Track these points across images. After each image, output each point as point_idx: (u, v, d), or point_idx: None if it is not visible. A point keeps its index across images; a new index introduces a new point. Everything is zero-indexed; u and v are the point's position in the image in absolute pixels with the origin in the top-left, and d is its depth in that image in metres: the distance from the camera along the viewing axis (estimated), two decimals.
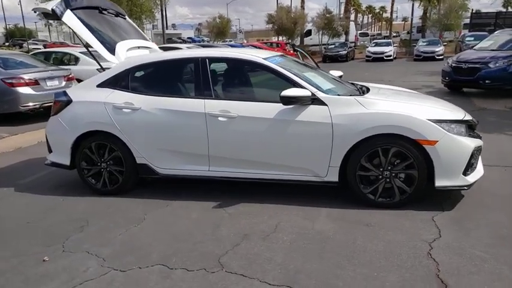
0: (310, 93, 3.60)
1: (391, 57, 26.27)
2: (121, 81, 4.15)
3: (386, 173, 3.57)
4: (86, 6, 4.52)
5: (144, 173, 4.14)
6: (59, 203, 4.13)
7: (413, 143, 3.44)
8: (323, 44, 33.15)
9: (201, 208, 3.82)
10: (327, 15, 33.65)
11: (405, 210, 3.55)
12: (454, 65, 10.46)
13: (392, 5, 53.12)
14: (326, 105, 3.61)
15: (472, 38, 24.69)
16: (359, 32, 45.27)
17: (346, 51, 27.76)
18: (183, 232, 3.37)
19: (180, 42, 33.30)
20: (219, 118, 3.79)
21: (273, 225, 3.41)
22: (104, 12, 4.77)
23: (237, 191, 4.14)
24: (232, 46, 20.74)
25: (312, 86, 3.73)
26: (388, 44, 27.97)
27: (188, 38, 51.60)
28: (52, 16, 4.44)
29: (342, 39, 34.96)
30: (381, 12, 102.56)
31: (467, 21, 34.38)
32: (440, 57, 24.47)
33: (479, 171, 3.69)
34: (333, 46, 29.08)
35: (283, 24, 31.56)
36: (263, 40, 35.67)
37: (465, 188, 3.51)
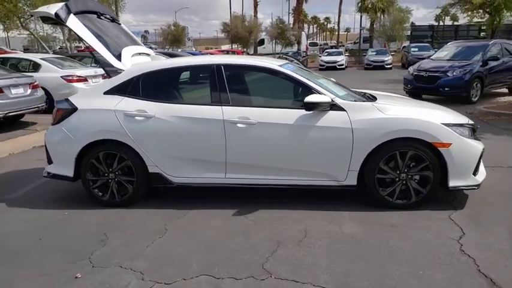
0: (330, 99, 3.70)
1: (343, 66, 27.43)
2: (131, 88, 4.00)
3: (403, 175, 3.74)
4: (86, 10, 4.33)
5: (156, 182, 4.01)
6: (64, 218, 3.88)
7: (428, 146, 3.64)
8: (276, 53, 33.89)
9: (222, 216, 3.77)
10: (280, 25, 34.38)
11: (421, 211, 3.74)
12: (415, 73, 11.16)
13: (339, 16, 55.48)
14: (345, 110, 3.72)
15: (417, 49, 26.47)
16: (309, 41, 46.63)
17: (301, 61, 28.56)
18: (213, 241, 3.31)
19: None
20: (238, 125, 3.77)
21: (301, 230, 3.45)
22: (101, 17, 4.58)
23: (251, 197, 4.13)
24: (192, 54, 20.57)
25: (329, 92, 3.83)
26: (339, 54, 29.14)
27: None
28: (51, 20, 4.21)
29: (295, 48, 35.90)
30: (326, 23, 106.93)
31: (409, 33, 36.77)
32: (389, 66, 25.92)
33: (482, 172, 3.97)
34: (288, 56, 29.79)
35: (239, 32, 31.82)
36: (212, 48, 35.69)
37: (475, 187, 3.76)
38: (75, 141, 3.96)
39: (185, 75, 4.16)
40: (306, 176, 3.85)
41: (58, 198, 4.39)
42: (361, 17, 34.00)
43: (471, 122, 4.01)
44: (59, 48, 33.00)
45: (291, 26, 40.29)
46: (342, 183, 3.82)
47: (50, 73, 10.57)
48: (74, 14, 4.07)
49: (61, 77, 10.44)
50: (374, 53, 27.56)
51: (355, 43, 44.92)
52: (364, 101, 3.93)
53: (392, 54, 28.15)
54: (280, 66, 3.98)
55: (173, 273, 2.84)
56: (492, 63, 10.80)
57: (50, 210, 4.03)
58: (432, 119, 3.72)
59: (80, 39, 4.12)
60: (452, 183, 3.70)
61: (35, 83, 8.97)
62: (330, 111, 3.72)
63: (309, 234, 3.37)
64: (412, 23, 39.45)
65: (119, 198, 4.05)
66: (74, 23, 4.04)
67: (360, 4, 33.18)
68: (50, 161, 4.18)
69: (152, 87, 4.04)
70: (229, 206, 3.96)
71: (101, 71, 11.54)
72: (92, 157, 3.98)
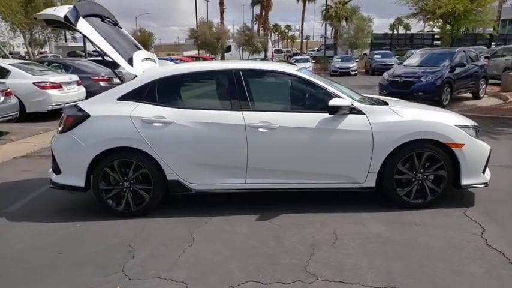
0: (350, 103, 3.78)
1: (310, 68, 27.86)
2: (147, 93, 3.89)
3: (419, 175, 3.88)
4: (92, 14, 4.17)
5: (175, 189, 3.91)
6: (78, 230, 3.69)
7: (443, 146, 3.80)
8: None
9: (246, 222, 3.73)
10: (247, 32, 34.62)
11: (436, 209, 3.89)
12: (390, 79, 11.62)
13: (302, 24, 56.65)
14: (364, 114, 3.82)
15: (380, 56, 27.53)
16: (274, 49, 47.24)
17: None
18: (246, 247, 3.27)
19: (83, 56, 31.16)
20: (260, 129, 3.77)
21: (330, 233, 3.48)
22: (105, 21, 4.44)
23: (268, 202, 4.13)
24: (171, 60, 20.30)
25: (347, 96, 3.92)
26: (306, 61, 29.69)
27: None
28: (55, 23, 4.03)
29: (262, 55, 36.23)
30: (287, 31, 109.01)
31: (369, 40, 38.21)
32: (354, 72, 26.67)
33: (488, 171, 4.19)
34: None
35: (207, 39, 31.71)
36: (174, 55, 35.22)
37: (485, 185, 3.96)
38: (87, 150, 3.79)
39: (203, 80, 4.10)
40: (326, 179, 3.90)
41: (62, 210, 4.17)
42: (325, 24, 34.95)
43: (475, 123, 4.23)
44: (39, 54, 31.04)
45: (256, 33, 40.65)
46: (361, 185, 3.90)
47: (21, 79, 10.02)
48: (83, 17, 3.92)
49: (33, 83, 9.96)
50: (339, 60, 28.25)
51: (318, 50, 45.98)
52: (380, 105, 4.04)
53: (356, 61, 29.02)
54: (298, 70, 4.03)
55: (218, 281, 2.78)
56: (459, 70, 11.42)
57: (58, 223, 3.82)
58: (445, 121, 3.89)
59: (92, 43, 3.96)
60: (464, 181, 3.88)
61: (8, 90, 8.47)
62: (350, 115, 3.80)
63: (339, 236, 3.41)
64: (372, 31, 41.00)
65: (135, 208, 3.91)
66: (84, 26, 3.88)
67: (324, 12, 34.11)
68: (57, 171, 3.97)
69: (170, 93, 3.95)
70: (249, 211, 3.93)
71: (75, 77, 11.35)
72: (106, 165, 3.82)
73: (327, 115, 3.80)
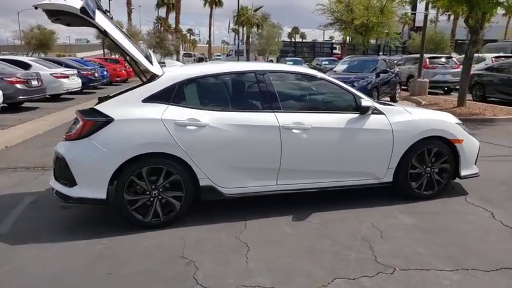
0: (373, 104, 4.03)
1: None
2: (174, 95, 3.65)
3: (428, 169, 4.29)
4: (98, 7, 3.76)
5: (208, 195, 3.73)
6: (106, 247, 3.30)
7: (447, 142, 4.26)
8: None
9: (283, 223, 3.73)
10: (158, 34, 33.58)
11: (441, 199, 4.33)
12: None
13: (210, 28, 56.77)
14: (383, 114, 4.10)
15: (292, 62, 28.95)
16: (183, 52, 46.56)
17: None
18: (303, 247, 3.27)
19: None
20: (293, 130, 3.80)
21: (370, 226, 3.66)
22: (106, 14, 4.02)
23: (291, 202, 4.16)
24: (77, 61, 18.83)
25: (367, 97, 4.17)
26: None
27: None
28: (60, 15, 3.55)
29: (174, 58, 35.48)
30: (189, 35, 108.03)
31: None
32: None
33: None
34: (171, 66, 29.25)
35: None
36: (65, 56, 32.64)
37: (477, 175, 4.52)
38: (112, 157, 3.41)
39: (231, 81, 3.96)
40: (351, 176, 4.09)
41: (66, 228, 3.68)
42: (238, 30, 35.56)
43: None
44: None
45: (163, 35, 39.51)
46: (381, 180, 4.17)
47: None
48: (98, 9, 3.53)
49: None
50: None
51: (228, 55, 46.53)
52: (393, 106, 4.37)
53: None
54: (319, 73, 4.17)
55: (307, 282, 2.76)
56: (382, 76, 12.67)
57: (77, 242, 3.37)
58: (448, 119, 4.37)
59: (112, 40, 3.55)
60: (463, 173, 4.39)
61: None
62: (372, 115, 4.05)
63: (381, 229, 3.60)
64: (279, 39, 43.00)
65: (164, 218, 3.63)
66: (103, 20, 3.49)
67: (236, 18, 34.70)
68: (70, 183, 3.49)
69: (200, 94, 3.77)
70: (279, 212, 3.93)
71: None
72: (133, 173, 3.49)
73: (353, 115, 4.00)
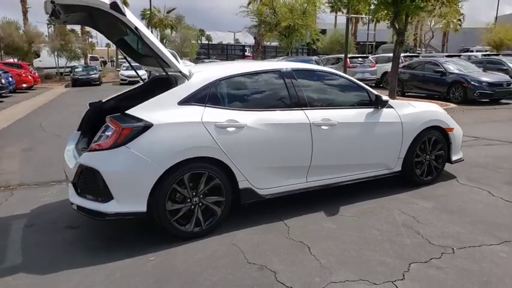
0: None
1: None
2: (209, 96, 3.45)
3: (428, 156, 4.67)
4: None
5: (247, 198, 3.60)
6: (158, 263, 3.01)
7: (442, 131, 4.69)
8: (61, 67, 30.51)
9: (321, 218, 3.78)
10: (63, 36, 30.80)
11: (437, 183, 4.75)
12: None
13: None
14: (393, 107, 4.36)
15: None
16: (90, 55, 43.40)
17: (98, 75, 26.65)
18: (356, 240, 3.33)
19: None
20: (323, 127, 3.86)
21: (401, 214, 3.85)
22: None
23: (313, 198, 4.20)
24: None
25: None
26: (140, 68, 28.54)
27: None
28: (80, 11, 3.14)
29: (82, 62, 33.04)
30: (87, 38, 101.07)
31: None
32: None
33: None
34: (80, 69, 27.15)
35: (15, 42, 26.71)
36: None
37: (463, 159, 5.04)
38: (154, 165, 3.11)
39: (261, 80, 3.84)
40: (368, 168, 4.28)
41: (96, 246, 3.30)
42: (152, 32, 34.10)
43: None
44: None
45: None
46: (392, 170, 4.43)
47: None
48: None
49: None
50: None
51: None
52: (398, 100, 4.67)
53: None
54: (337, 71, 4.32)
55: (387, 271, 2.84)
56: None
57: (118, 262, 3.03)
58: (440, 110, 4.81)
59: (141, 39, 3.20)
60: (454, 158, 4.87)
61: None
62: (384, 109, 4.29)
63: (411, 214, 3.83)
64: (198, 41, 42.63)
65: (206, 226, 3.42)
66: (133, 17, 3.16)
67: (148, 19, 33.39)
68: (106, 198, 3.09)
69: (234, 94, 3.62)
70: (309, 209, 3.97)
71: None
72: (175, 181, 3.22)
73: (368, 109, 4.18)
